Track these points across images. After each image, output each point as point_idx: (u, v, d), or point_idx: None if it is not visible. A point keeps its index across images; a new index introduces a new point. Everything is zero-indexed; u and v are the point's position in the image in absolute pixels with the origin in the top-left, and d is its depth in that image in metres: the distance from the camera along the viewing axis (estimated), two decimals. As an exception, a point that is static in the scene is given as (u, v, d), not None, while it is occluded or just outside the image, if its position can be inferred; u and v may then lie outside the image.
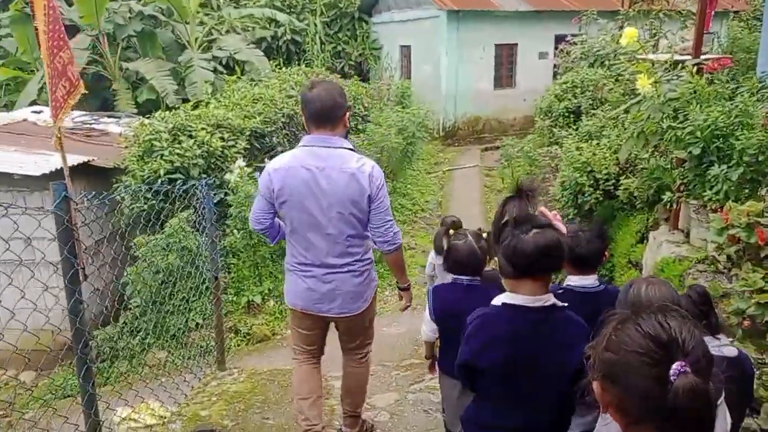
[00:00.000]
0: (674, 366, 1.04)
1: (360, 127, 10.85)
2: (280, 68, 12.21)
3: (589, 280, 2.43)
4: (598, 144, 6.06)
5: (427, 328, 2.79)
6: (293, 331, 3.18)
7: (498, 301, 1.90)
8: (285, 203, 2.80)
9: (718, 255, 3.49)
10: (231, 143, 7.31)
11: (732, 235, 3.28)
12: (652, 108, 4.16)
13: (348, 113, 2.87)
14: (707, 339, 1.16)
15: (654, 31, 8.71)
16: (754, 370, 2.39)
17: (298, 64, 12.65)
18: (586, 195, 5.63)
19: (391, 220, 2.85)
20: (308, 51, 15.91)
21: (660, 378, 1.05)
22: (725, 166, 3.68)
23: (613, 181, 5.52)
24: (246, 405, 3.93)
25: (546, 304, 1.82)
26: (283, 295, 3.14)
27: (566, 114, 8.61)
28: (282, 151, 8.34)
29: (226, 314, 6.68)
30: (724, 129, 3.73)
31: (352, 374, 3.22)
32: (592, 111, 7.73)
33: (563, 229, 1.82)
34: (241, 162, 6.72)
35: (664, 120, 4.09)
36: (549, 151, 7.61)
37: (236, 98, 9.02)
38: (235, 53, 13.47)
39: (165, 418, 4.02)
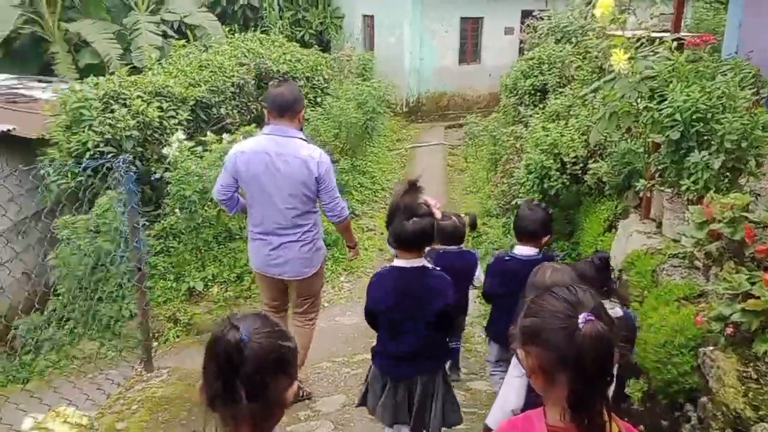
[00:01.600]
0: (581, 316, 1.28)
1: (318, 99, 10.27)
2: (234, 35, 11.48)
3: (531, 251, 3.21)
4: (565, 124, 5.69)
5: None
6: (260, 289, 3.80)
7: (390, 264, 2.60)
8: (246, 181, 3.31)
9: (697, 251, 3.16)
10: (171, 114, 6.68)
11: (714, 230, 2.95)
12: (626, 87, 3.78)
13: (303, 111, 3.42)
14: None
15: (623, 8, 8.36)
16: (637, 326, 2.91)
17: (255, 32, 11.90)
18: (552, 179, 5.27)
19: (338, 197, 3.42)
20: (266, 17, 15.09)
21: (571, 330, 1.28)
22: (706, 152, 3.34)
23: (581, 164, 5.17)
24: (171, 414, 3.47)
25: (418, 265, 2.54)
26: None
27: (532, 92, 8.19)
28: (231, 124, 7.87)
29: (165, 302, 6.16)
30: (706, 112, 3.39)
31: (296, 332, 3.53)
32: (560, 89, 7.36)
33: (439, 214, 2.49)
34: (180, 135, 6.08)
35: (640, 100, 3.74)
36: (514, 131, 7.20)
37: (181, 65, 8.33)
38: (185, 17, 12.60)
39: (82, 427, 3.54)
